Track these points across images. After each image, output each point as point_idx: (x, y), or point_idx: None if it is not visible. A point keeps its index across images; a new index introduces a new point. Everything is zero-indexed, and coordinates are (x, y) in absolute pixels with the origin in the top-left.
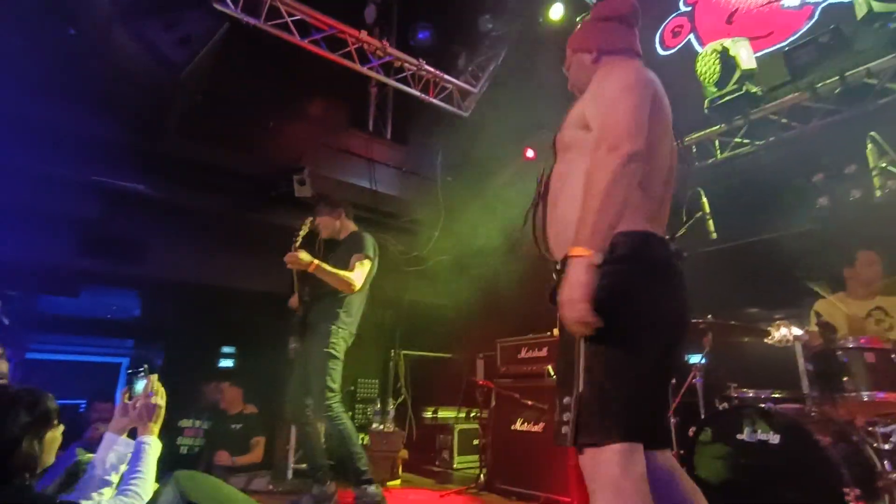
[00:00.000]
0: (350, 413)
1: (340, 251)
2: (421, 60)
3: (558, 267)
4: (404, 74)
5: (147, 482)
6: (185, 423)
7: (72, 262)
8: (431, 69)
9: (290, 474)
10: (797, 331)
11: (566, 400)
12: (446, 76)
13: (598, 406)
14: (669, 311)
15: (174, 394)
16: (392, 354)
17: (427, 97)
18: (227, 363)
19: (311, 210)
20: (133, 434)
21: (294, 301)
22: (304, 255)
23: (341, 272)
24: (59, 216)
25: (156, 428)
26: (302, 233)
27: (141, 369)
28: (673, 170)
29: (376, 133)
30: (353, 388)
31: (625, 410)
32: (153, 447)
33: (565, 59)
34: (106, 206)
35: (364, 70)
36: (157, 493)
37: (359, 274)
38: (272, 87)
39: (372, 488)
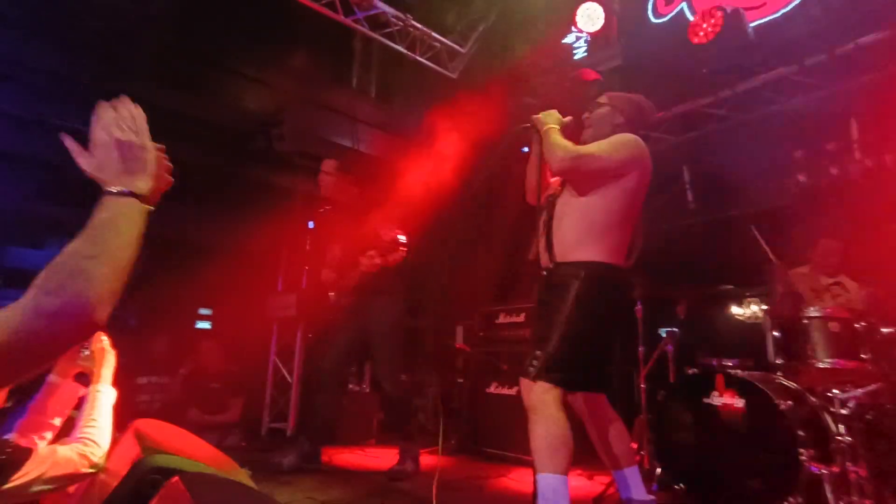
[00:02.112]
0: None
1: (350, 224)
2: (408, 16)
3: (551, 266)
4: (390, 30)
5: (103, 430)
6: (141, 380)
7: (34, 208)
8: (419, 26)
9: (263, 431)
10: (766, 307)
11: (538, 352)
12: (434, 34)
13: (558, 362)
14: (615, 315)
15: (147, 353)
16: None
17: (413, 55)
18: (203, 325)
19: (290, 167)
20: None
21: (328, 277)
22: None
23: (390, 236)
24: (17, 158)
25: (108, 374)
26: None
27: None
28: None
29: (360, 90)
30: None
31: (571, 370)
32: (106, 395)
33: (592, 106)
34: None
35: (348, 21)
36: (114, 442)
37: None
38: (251, 34)
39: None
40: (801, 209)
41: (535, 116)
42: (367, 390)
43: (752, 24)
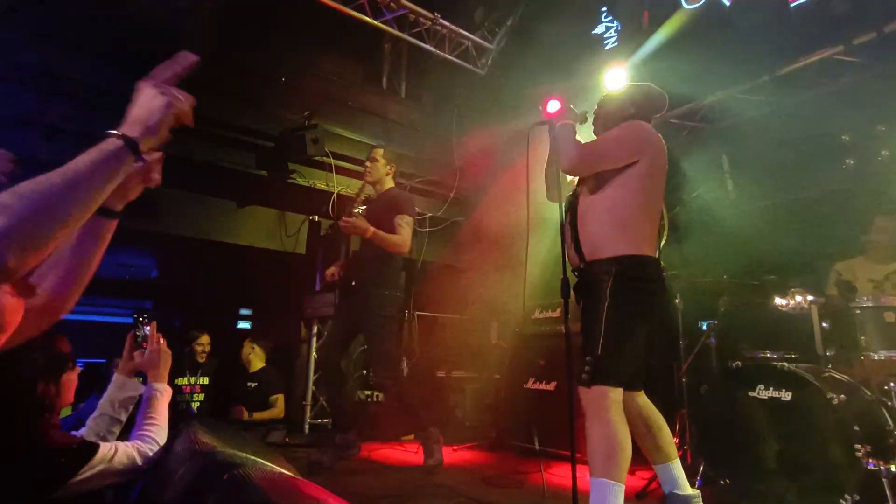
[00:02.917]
0: (364, 371)
1: (377, 208)
2: (436, 15)
3: (581, 266)
4: (419, 29)
5: (161, 428)
6: (180, 381)
7: None
8: (447, 24)
9: (306, 428)
10: (812, 297)
11: (588, 357)
12: (462, 31)
13: (607, 363)
14: (653, 307)
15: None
16: (406, 315)
17: (442, 53)
18: (244, 325)
19: (325, 168)
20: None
21: (332, 272)
22: (362, 221)
23: (393, 237)
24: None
25: (165, 374)
26: (361, 197)
27: (145, 314)
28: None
29: (390, 91)
30: (365, 347)
31: (619, 368)
32: (164, 393)
33: (603, 99)
34: None
35: (377, 23)
36: (171, 438)
37: (407, 234)
38: (283, 41)
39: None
40: (850, 195)
41: (544, 111)
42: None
43: (793, 5)
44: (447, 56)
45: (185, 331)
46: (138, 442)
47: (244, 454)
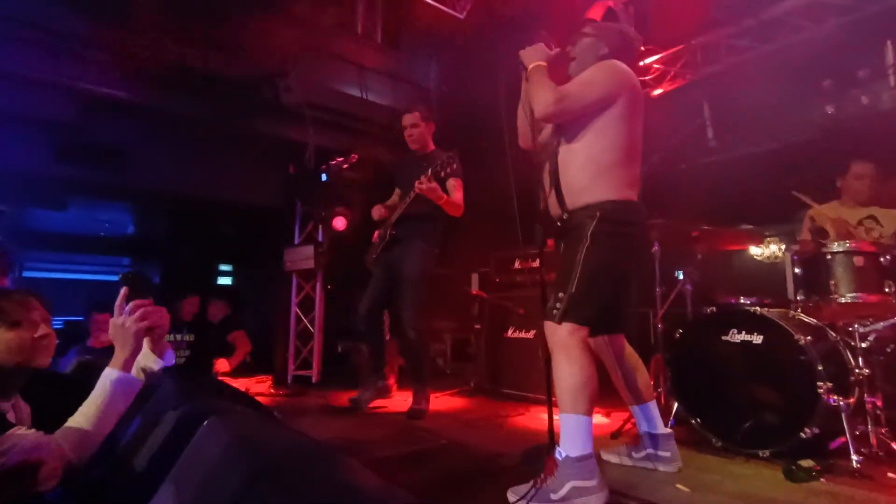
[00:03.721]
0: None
1: (423, 169)
2: None
3: (564, 216)
4: None
5: (80, 430)
6: (167, 337)
7: (52, 169)
8: None
9: (290, 379)
10: (785, 246)
11: (560, 294)
12: None
13: (581, 302)
14: (633, 252)
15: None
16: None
17: None
18: (225, 280)
19: (299, 118)
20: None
21: (379, 210)
22: (438, 187)
23: (457, 202)
24: (32, 121)
25: (124, 358)
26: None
27: (131, 275)
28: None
29: (365, 36)
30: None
31: (591, 308)
32: (112, 385)
33: (576, 37)
34: (81, 111)
35: None
36: (155, 388)
37: (462, 196)
38: None
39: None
40: (829, 142)
41: (521, 52)
42: (388, 337)
43: None
44: None
45: (166, 288)
46: (48, 436)
47: (224, 402)
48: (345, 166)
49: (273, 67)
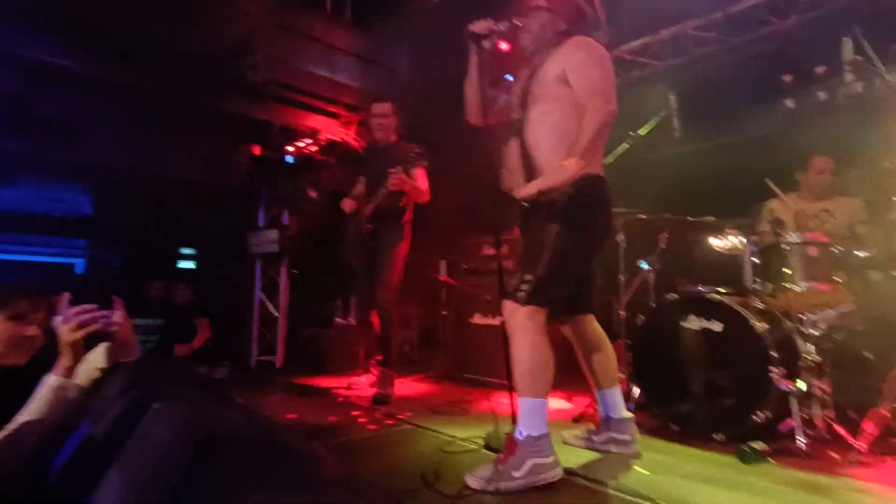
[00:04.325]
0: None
1: (390, 159)
2: None
3: (526, 205)
4: None
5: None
6: (137, 321)
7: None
8: None
9: (252, 364)
10: (744, 238)
11: (528, 276)
12: None
13: (549, 284)
14: (605, 231)
15: (132, 293)
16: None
17: None
18: (187, 264)
19: (265, 97)
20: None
21: (350, 203)
22: (406, 176)
23: (422, 187)
24: None
25: (64, 365)
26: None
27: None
28: None
29: (335, 15)
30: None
31: (557, 292)
32: (52, 391)
33: (530, 11)
34: (28, 82)
35: None
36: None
37: (426, 185)
38: None
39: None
40: (789, 136)
41: (470, 27)
42: (353, 323)
43: None
44: None
45: (127, 271)
46: None
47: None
48: (312, 148)
49: (238, 44)
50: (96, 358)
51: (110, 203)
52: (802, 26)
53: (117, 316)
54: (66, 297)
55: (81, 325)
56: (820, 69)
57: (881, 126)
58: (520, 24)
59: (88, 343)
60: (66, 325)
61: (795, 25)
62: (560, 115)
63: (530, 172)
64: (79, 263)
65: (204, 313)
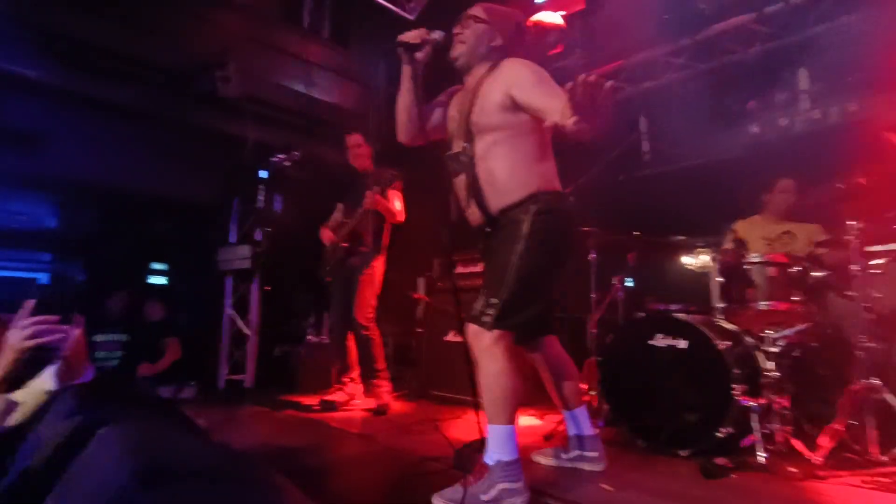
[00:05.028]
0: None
1: (368, 185)
2: None
3: (495, 217)
4: None
5: None
6: (99, 337)
7: None
8: None
9: (221, 384)
10: (711, 257)
11: (493, 300)
12: None
13: (515, 308)
14: (570, 248)
15: (96, 309)
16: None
17: None
18: (159, 280)
19: (238, 112)
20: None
21: (329, 235)
22: (381, 196)
23: (396, 208)
24: None
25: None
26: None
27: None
28: None
29: (312, 31)
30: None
31: (524, 315)
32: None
33: (466, 20)
34: None
35: None
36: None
37: (401, 206)
38: None
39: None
40: (753, 161)
41: (400, 37)
42: (326, 341)
43: None
44: None
45: (92, 287)
46: None
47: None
48: (286, 163)
49: (210, 56)
50: (43, 381)
51: (76, 216)
52: (764, 56)
53: (74, 334)
54: (30, 303)
55: (35, 335)
56: (781, 96)
57: (836, 151)
58: (456, 34)
59: (35, 366)
60: (21, 330)
61: (758, 55)
62: (508, 146)
63: (480, 202)
64: (42, 278)
65: (175, 333)
